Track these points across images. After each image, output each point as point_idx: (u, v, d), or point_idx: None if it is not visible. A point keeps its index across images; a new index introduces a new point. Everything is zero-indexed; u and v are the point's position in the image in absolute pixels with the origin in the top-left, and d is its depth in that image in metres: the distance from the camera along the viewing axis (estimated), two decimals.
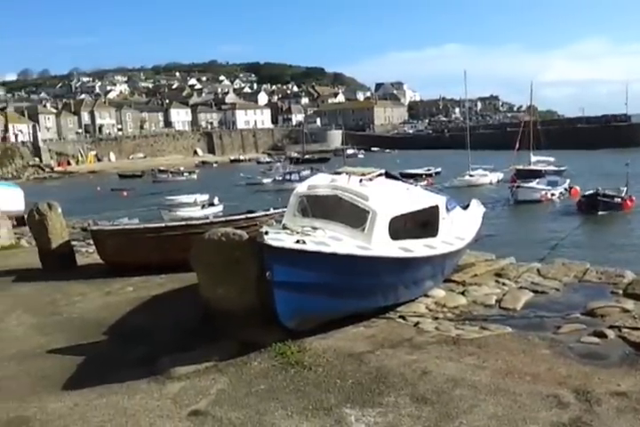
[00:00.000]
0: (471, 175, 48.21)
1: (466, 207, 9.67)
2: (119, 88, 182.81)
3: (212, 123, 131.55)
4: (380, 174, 8.05)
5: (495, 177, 49.15)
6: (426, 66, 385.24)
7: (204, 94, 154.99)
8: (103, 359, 5.74)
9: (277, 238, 5.44)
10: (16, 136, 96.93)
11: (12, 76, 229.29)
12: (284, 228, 6.15)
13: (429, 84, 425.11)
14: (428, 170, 56.13)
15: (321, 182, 7.43)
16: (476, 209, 10.07)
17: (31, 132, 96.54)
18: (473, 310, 6.89)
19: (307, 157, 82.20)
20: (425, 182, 36.38)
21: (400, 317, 6.61)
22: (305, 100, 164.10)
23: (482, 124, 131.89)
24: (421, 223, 7.73)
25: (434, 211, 7.68)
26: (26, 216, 12.10)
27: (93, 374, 5.37)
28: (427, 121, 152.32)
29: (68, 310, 7.78)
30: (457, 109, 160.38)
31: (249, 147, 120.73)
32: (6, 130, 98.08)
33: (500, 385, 4.72)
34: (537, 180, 40.56)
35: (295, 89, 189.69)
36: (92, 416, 4.54)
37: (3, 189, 20.41)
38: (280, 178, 54.18)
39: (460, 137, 73.70)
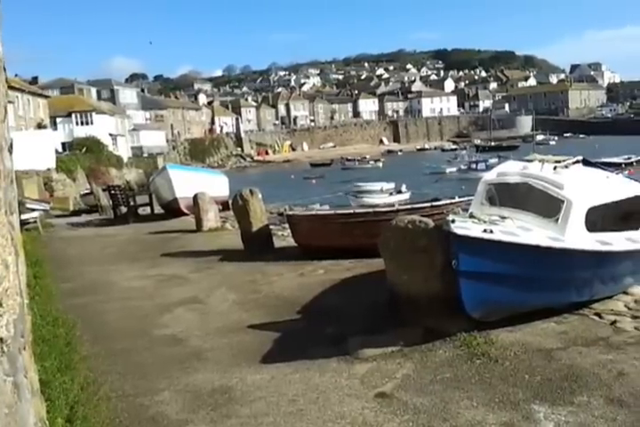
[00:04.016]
0: None
1: None
2: (312, 81, 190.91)
3: (397, 111, 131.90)
4: (577, 161, 7.52)
5: None
6: (627, 45, 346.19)
7: (390, 83, 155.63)
8: (296, 336, 6.16)
9: (464, 227, 5.41)
10: (221, 128, 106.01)
11: (217, 73, 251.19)
12: (471, 216, 6.08)
13: (631, 64, 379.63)
14: (629, 158, 50.43)
15: (511, 170, 7.19)
16: None
17: (234, 124, 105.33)
18: None
19: (493, 144, 78.49)
20: (626, 173, 32.90)
21: (595, 314, 6.22)
22: (493, 86, 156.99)
23: None
24: (624, 215, 7.13)
25: (638, 201, 7.04)
26: (230, 201, 13.23)
27: (288, 349, 5.78)
28: (628, 104, 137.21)
29: (267, 288, 8.46)
30: None
31: (434, 135, 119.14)
32: (213, 122, 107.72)
33: None
34: None
35: (483, 74, 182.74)
36: (287, 390, 4.90)
37: (211, 177, 22.61)
38: (465, 167, 52.65)
39: None
